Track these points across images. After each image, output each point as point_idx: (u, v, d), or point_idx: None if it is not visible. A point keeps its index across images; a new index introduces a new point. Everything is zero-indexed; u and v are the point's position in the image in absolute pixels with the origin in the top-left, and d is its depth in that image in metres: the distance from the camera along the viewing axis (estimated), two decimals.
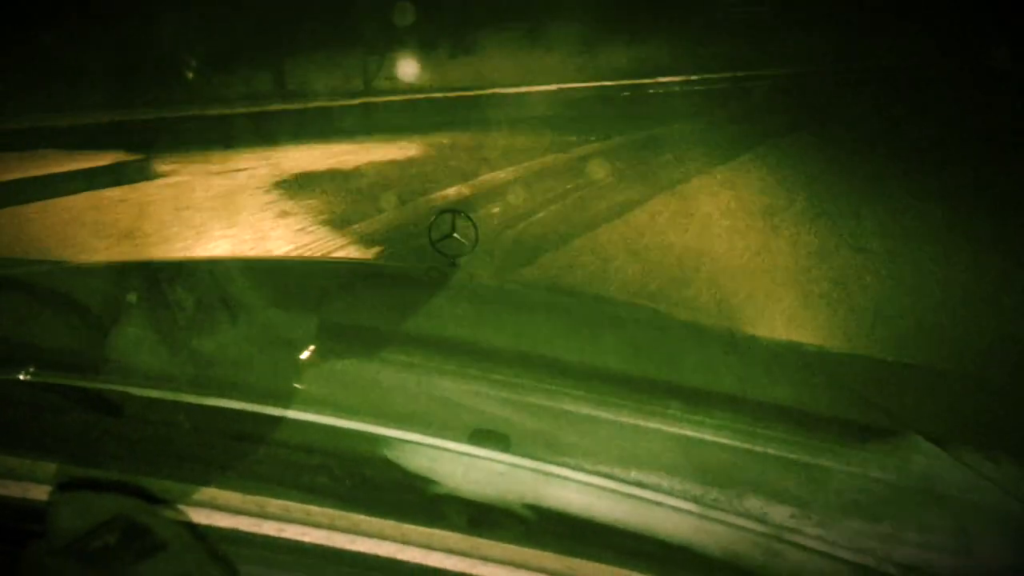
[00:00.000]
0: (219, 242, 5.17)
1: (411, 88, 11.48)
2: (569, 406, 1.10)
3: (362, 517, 0.85)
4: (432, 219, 1.63)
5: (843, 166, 7.98)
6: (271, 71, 11.93)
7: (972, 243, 5.41)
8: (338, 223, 5.63)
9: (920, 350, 3.67)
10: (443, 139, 8.97)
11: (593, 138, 8.99)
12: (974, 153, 8.38)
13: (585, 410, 1.09)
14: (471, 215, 1.64)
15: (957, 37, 14.78)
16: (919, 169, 7.72)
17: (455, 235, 1.61)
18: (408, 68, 12.10)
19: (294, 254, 4.16)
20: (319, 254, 4.71)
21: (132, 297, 1.28)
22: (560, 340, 1.47)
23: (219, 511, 0.86)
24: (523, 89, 11.17)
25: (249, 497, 0.86)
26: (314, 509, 0.86)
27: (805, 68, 13.71)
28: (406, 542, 0.83)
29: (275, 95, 10.88)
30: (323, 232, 5.40)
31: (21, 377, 1.05)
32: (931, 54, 14.40)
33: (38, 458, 0.91)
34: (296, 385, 1.06)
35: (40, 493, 0.88)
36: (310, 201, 6.33)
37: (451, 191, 6.56)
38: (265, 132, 9.11)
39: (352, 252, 4.85)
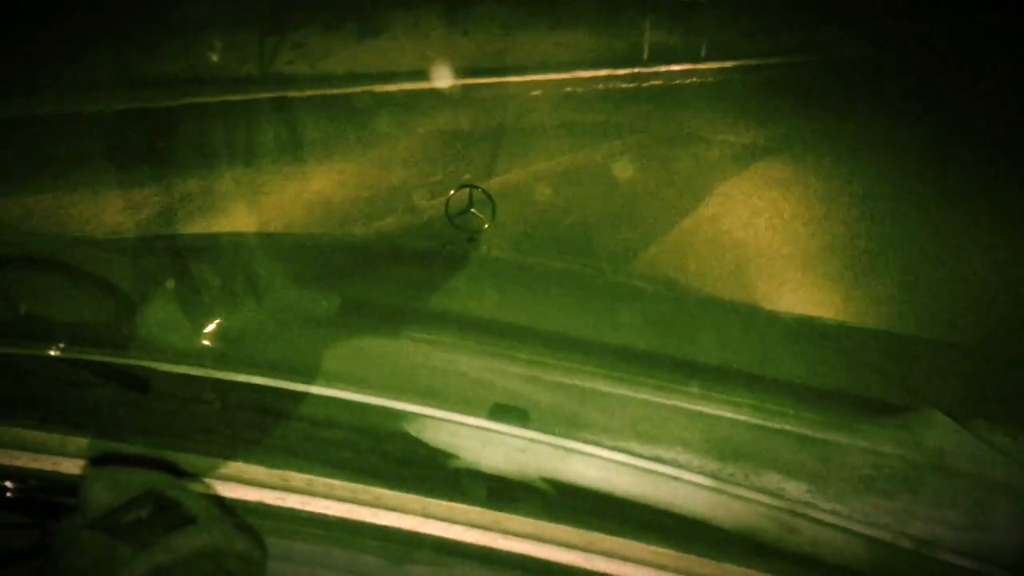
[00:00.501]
0: None
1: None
2: (588, 383, 1.11)
3: (384, 491, 0.87)
4: (450, 194, 1.63)
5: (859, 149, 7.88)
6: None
7: (995, 216, 5.35)
8: None
9: (939, 325, 3.65)
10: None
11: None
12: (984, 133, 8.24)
13: (604, 387, 1.10)
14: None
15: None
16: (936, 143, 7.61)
17: (472, 210, 1.61)
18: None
19: (315, 231, 4.16)
20: (339, 231, 4.71)
21: (166, 281, 1.30)
22: (579, 317, 1.48)
23: (245, 485, 0.88)
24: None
25: (274, 471, 0.88)
26: (337, 483, 0.87)
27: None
28: (428, 515, 0.85)
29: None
30: None
31: (52, 353, 1.07)
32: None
33: (69, 432, 0.94)
34: (319, 361, 1.08)
35: (71, 467, 0.90)
36: None
37: None
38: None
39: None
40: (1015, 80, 9.89)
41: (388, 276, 1.63)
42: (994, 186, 6.10)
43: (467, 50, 11.01)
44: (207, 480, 0.89)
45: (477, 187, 1.62)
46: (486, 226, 1.62)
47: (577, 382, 1.11)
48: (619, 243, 4.81)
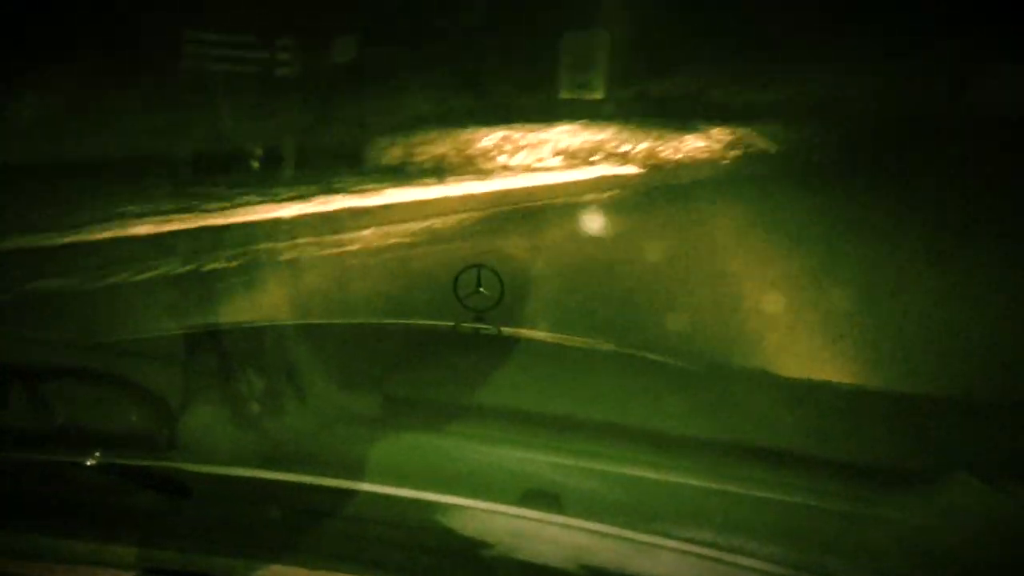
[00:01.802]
0: None
1: None
2: (626, 469, 1.11)
3: None
4: (457, 275, 1.64)
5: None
6: None
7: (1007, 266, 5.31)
8: None
9: (956, 383, 3.60)
10: None
11: None
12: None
13: (642, 472, 1.10)
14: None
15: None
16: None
17: (481, 289, 1.62)
18: None
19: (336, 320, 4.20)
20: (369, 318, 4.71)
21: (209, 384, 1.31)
22: (617, 401, 1.48)
23: None
24: None
25: (316, 572, 0.88)
26: None
27: None
28: None
29: None
30: None
31: (88, 462, 1.08)
32: None
33: (105, 542, 0.94)
34: (359, 457, 1.09)
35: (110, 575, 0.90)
36: None
37: None
38: None
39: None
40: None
41: (423, 366, 1.64)
42: (1003, 235, 6.07)
43: None
44: None
45: (484, 266, 1.63)
46: (494, 305, 1.63)
47: (613, 468, 1.11)
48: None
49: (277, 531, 0.96)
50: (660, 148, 10.59)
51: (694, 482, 1.10)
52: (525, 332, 1.93)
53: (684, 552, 0.89)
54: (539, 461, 1.12)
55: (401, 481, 1.00)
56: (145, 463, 1.07)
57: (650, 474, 1.11)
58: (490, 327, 1.63)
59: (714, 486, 1.09)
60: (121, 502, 1.03)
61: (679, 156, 10.67)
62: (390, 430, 1.22)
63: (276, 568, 0.89)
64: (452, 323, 1.69)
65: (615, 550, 0.91)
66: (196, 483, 1.03)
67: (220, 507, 1.01)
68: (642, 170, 9.92)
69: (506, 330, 1.69)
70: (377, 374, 1.58)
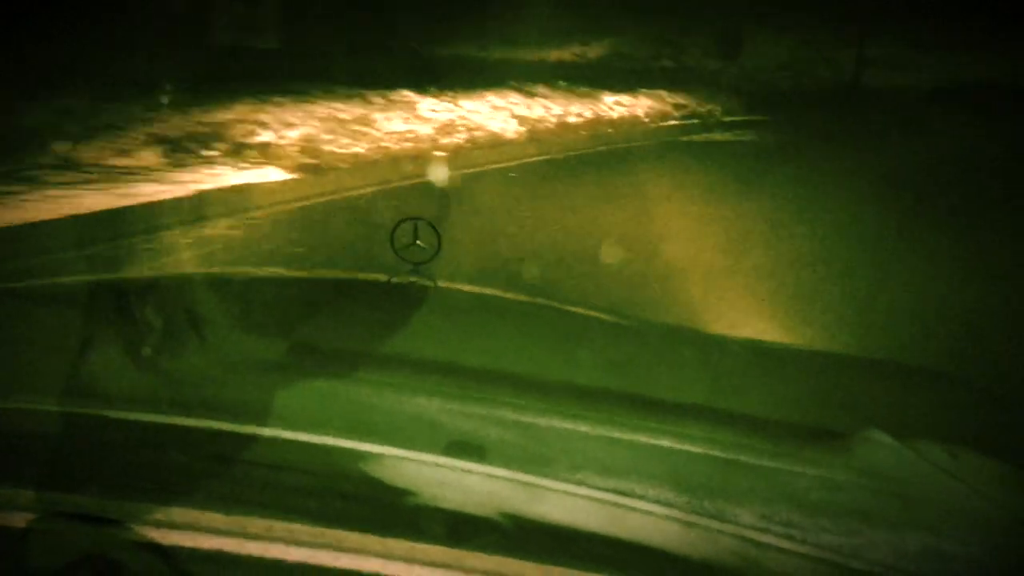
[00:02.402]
0: None
1: None
2: (545, 420, 1.12)
3: (344, 533, 0.86)
4: (394, 227, 1.64)
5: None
6: None
7: (932, 238, 5.53)
8: None
9: (879, 345, 3.74)
10: None
11: None
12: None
13: (561, 424, 1.12)
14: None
15: None
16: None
17: (418, 242, 1.62)
18: None
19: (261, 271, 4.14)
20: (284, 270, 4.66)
21: (107, 325, 1.27)
22: (534, 353, 1.49)
23: (201, 533, 0.86)
24: None
25: (231, 518, 0.87)
26: (297, 527, 0.86)
27: None
28: (389, 556, 0.84)
29: None
30: None
31: None
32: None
33: (14, 486, 0.91)
34: (271, 404, 1.07)
35: (18, 520, 0.87)
36: None
37: None
38: None
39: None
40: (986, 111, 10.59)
41: (337, 316, 1.63)
42: (947, 211, 6.34)
43: None
44: (160, 529, 0.87)
45: (422, 219, 1.63)
46: (431, 258, 1.63)
47: (533, 419, 1.12)
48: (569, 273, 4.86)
49: (190, 477, 0.94)
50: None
51: (606, 432, 1.12)
52: (460, 285, 1.93)
53: (596, 499, 0.91)
54: (461, 412, 1.12)
55: (319, 429, 0.98)
56: (50, 407, 1.03)
57: (566, 424, 1.12)
58: (425, 279, 1.63)
59: (624, 436, 1.11)
60: (29, 447, 1.00)
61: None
62: (307, 378, 1.20)
63: (192, 513, 0.87)
64: (386, 276, 1.68)
65: (532, 497, 0.92)
66: (103, 427, 1.00)
67: (130, 453, 0.98)
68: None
69: (441, 283, 1.69)
70: (298, 324, 1.56)
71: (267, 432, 0.97)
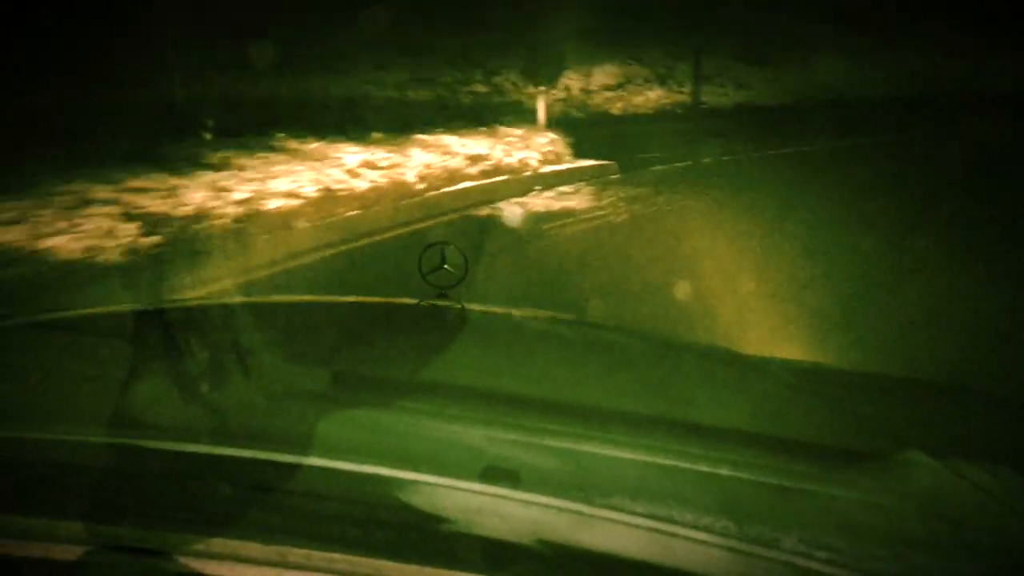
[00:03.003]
0: None
1: None
2: (583, 446, 1.12)
3: (383, 562, 0.87)
4: (422, 252, 1.65)
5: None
6: None
7: (971, 257, 5.45)
8: None
9: (920, 366, 3.69)
10: None
11: None
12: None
13: (599, 449, 1.11)
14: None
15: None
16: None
17: (445, 266, 1.63)
18: None
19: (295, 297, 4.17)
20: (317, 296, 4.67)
21: (154, 356, 1.29)
22: (574, 378, 1.49)
23: (241, 563, 0.87)
24: None
25: (270, 547, 0.88)
26: (336, 556, 0.87)
27: None
28: None
29: None
30: None
31: (33, 435, 1.06)
32: None
33: (57, 517, 0.92)
34: (311, 433, 1.08)
35: (61, 553, 0.89)
36: None
37: None
38: None
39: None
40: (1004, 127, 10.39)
41: (372, 341, 1.64)
42: (980, 229, 6.24)
43: None
44: (200, 560, 0.88)
45: (449, 244, 1.64)
46: (458, 282, 1.64)
47: (571, 445, 1.12)
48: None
49: (231, 507, 0.96)
50: None
51: (646, 458, 1.12)
52: (488, 309, 1.94)
53: (637, 526, 0.91)
54: (496, 438, 1.13)
55: (357, 457, 0.99)
56: (95, 439, 1.05)
57: (605, 451, 1.12)
58: (453, 304, 1.64)
59: (665, 462, 1.11)
60: (72, 478, 1.01)
61: None
62: (346, 407, 1.21)
63: (232, 543, 0.88)
64: (414, 300, 1.69)
65: (571, 525, 0.92)
66: (147, 458, 1.01)
67: (173, 483, 1.00)
68: None
69: (470, 307, 1.70)
70: (331, 350, 1.57)
71: (306, 461, 0.98)
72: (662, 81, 14.88)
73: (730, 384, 1.63)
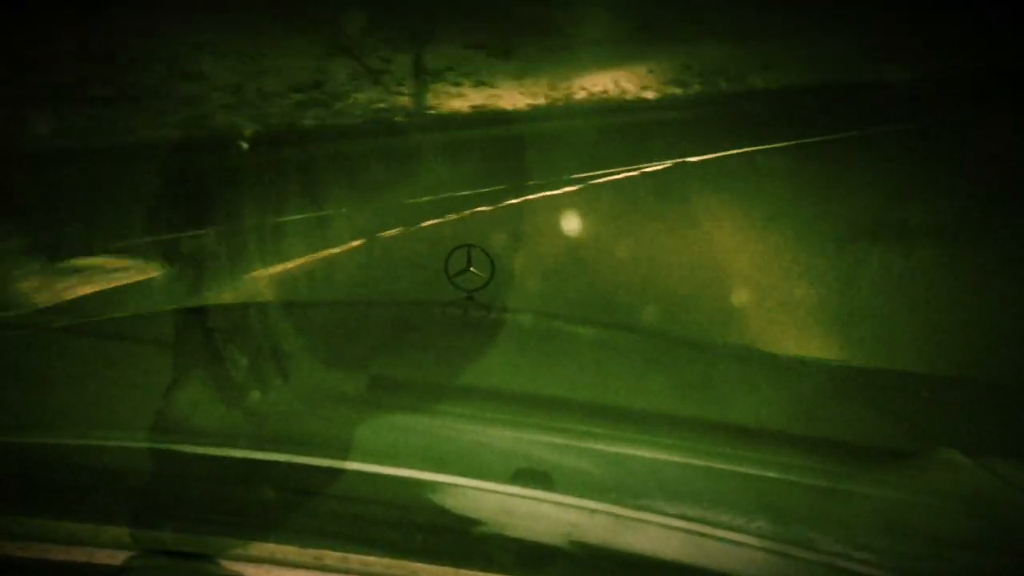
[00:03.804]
0: None
1: None
2: (617, 447, 1.12)
3: (419, 565, 0.88)
4: (448, 255, 1.65)
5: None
6: None
7: (1007, 250, 5.37)
8: None
9: (948, 363, 3.64)
10: None
11: None
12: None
13: (634, 451, 1.12)
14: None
15: None
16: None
17: (472, 269, 1.63)
18: None
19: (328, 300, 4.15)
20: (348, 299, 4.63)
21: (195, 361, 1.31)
22: (607, 381, 1.49)
23: (278, 566, 0.89)
24: None
25: (307, 550, 0.89)
26: (372, 559, 0.88)
27: None
28: None
29: None
30: None
31: (76, 441, 1.08)
32: None
33: (101, 522, 0.94)
34: (348, 437, 1.09)
35: (104, 557, 0.91)
36: None
37: None
38: None
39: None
40: None
41: (404, 344, 1.65)
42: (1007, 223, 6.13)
43: None
44: (239, 563, 0.90)
45: (475, 246, 1.64)
46: (485, 285, 1.64)
47: (605, 447, 1.12)
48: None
49: (269, 511, 0.97)
50: None
51: (680, 459, 1.12)
52: (515, 311, 1.94)
53: (671, 527, 0.91)
54: (529, 440, 1.13)
55: (392, 460, 1.00)
56: (137, 444, 1.07)
57: (638, 452, 1.12)
58: (480, 306, 1.64)
59: (700, 463, 1.10)
60: (115, 483, 1.03)
61: None
62: (380, 410, 1.22)
63: (270, 547, 0.90)
64: (442, 303, 1.70)
65: (605, 527, 0.92)
66: (188, 462, 1.03)
67: (213, 487, 1.01)
68: None
69: (496, 309, 1.70)
70: (366, 354, 1.58)
71: (343, 464, 0.99)
72: (376, 79, 10.91)
73: (765, 384, 1.62)
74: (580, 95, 12.11)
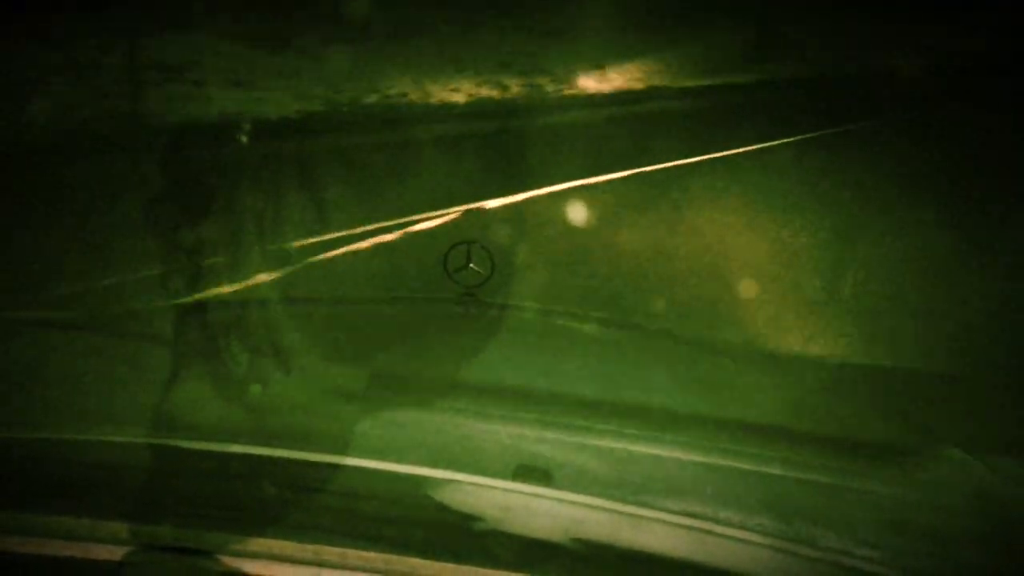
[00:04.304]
0: None
1: None
2: (618, 444, 1.12)
3: (418, 560, 0.87)
4: (447, 251, 1.65)
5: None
6: None
7: (1005, 247, 5.36)
8: None
9: (945, 359, 3.63)
10: None
11: None
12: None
13: (635, 447, 1.11)
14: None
15: None
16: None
17: (471, 265, 1.63)
18: None
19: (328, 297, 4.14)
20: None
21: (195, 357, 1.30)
22: (608, 377, 1.49)
23: (277, 561, 0.88)
24: None
25: (307, 546, 0.89)
26: (371, 555, 0.88)
27: None
28: None
29: None
30: None
31: (75, 437, 1.08)
32: None
33: (99, 517, 0.94)
34: (348, 433, 1.09)
35: (104, 553, 0.91)
36: None
37: None
38: None
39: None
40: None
41: (405, 340, 1.65)
42: (1001, 218, 6.11)
43: None
44: (238, 559, 0.89)
45: (475, 242, 1.64)
46: (485, 281, 1.64)
47: (606, 443, 1.12)
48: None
49: (268, 506, 0.97)
50: None
51: (680, 455, 1.11)
52: (515, 307, 1.94)
53: (671, 524, 0.91)
54: (529, 436, 1.13)
55: (392, 456, 1.00)
56: (136, 440, 1.07)
57: (639, 448, 1.12)
58: (480, 303, 1.64)
59: (700, 459, 1.10)
60: (113, 479, 1.03)
61: None
62: (380, 406, 1.22)
63: (268, 543, 0.89)
64: (442, 299, 1.69)
65: (604, 522, 0.92)
66: (188, 458, 1.03)
67: (212, 483, 1.01)
68: None
69: (496, 306, 1.70)
70: (366, 351, 1.58)
71: (343, 461, 0.99)
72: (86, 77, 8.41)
73: (768, 382, 1.62)
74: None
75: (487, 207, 5.93)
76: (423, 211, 5.60)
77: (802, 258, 5.41)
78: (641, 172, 7.90)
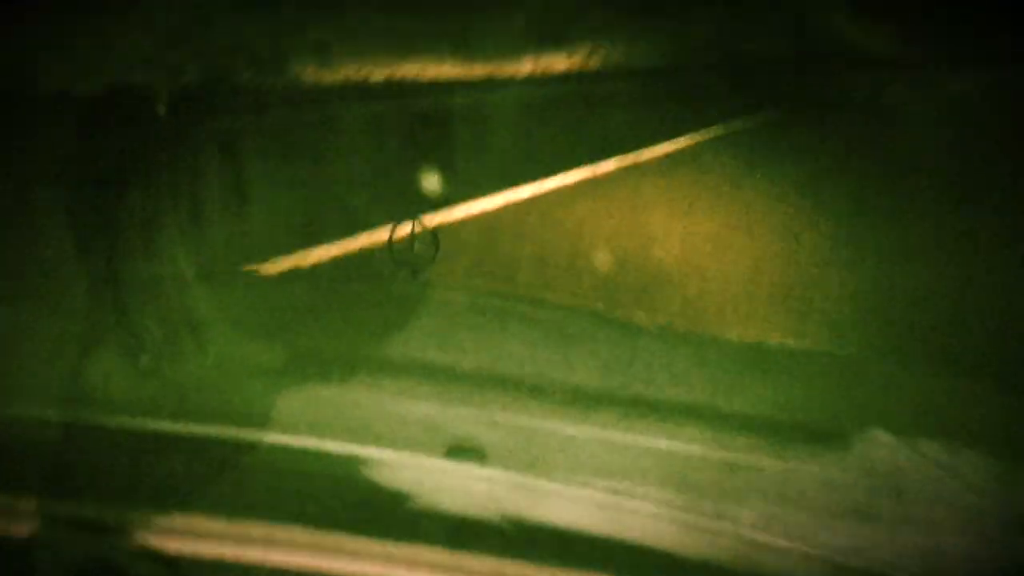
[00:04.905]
0: None
1: None
2: (543, 423, 1.12)
3: (345, 538, 0.86)
4: (392, 228, 1.63)
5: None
6: None
7: (936, 232, 5.51)
8: None
9: (878, 344, 3.73)
10: None
11: None
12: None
13: (559, 426, 1.12)
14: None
15: None
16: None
17: (416, 244, 1.62)
18: None
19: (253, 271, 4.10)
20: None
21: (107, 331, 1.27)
22: (534, 356, 1.49)
23: (202, 539, 0.86)
24: None
25: (232, 524, 0.87)
26: (297, 532, 0.86)
27: None
28: (390, 560, 0.85)
29: None
30: None
31: None
32: None
33: (13, 494, 0.91)
34: (272, 410, 1.07)
35: (17, 529, 0.88)
36: None
37: None
38: None
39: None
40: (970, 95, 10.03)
41: (334, 318, 1.63)
42: (930, 200, 6.29)
43: None
44: (161, 537, 0.87)
45: (419, 221, 1.62)
46: (429, 262, 1.63)
47: (531, 422, 1.12)
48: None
49: (192, 484, 0.95)
50: None
51: (609, 435, 1.13)
52: (456, 288, 1.93)
53: (598, 502, 0.92)
54: (460, 415, 1.13)
55: (319, 434, 0.99)
56: (48, 415, 1.03)
57: (564, 427, 1.13)
58: (420, 282, 1.63)
59: (626, 438, 1.12)
60: (25, 454, 1.00)
61: None
62: (308, 383, 1.21)
63: (192, 520, 0.87)
64: (383, 277, 1.68)
65: (530, 499, 0.92)
66: (104, 436, 1.00)
67: (130, 460, 0.98)
68: None
69: (438, 286, 1.69)
70: (286, 326, 1.56)
71: (268, 438, 0.97)
72: None
73: (687, 361, 1.64)
74: None
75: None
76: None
77: (755, 247, 5.47)
78: None
